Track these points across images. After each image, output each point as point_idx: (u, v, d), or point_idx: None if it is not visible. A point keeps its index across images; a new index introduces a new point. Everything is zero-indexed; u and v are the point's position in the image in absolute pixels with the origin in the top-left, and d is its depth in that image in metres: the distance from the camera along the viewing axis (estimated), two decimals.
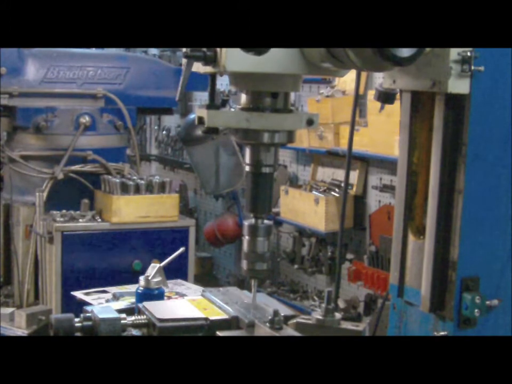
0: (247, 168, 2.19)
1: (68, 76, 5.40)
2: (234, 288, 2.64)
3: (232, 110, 2.14)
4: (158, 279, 2.61)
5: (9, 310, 4.77)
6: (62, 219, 4.93)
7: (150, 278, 2.59)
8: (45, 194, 5.07)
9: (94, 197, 5.20)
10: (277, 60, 1.93)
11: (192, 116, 6.42)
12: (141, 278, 2.61)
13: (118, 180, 5.00)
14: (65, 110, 5.31)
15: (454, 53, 1.91)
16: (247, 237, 2.22)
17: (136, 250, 5.04)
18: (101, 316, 2.22)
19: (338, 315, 2.28)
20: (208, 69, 1.98)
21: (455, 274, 2.00)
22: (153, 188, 5.08)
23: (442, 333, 2.02)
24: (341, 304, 5.74)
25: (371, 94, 5.10)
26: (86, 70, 5.45)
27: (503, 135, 2.00)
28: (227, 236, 6.95)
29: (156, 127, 8.71)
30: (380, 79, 3.58)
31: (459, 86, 1.93)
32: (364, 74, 5.27)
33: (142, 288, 2.60)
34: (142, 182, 5.06)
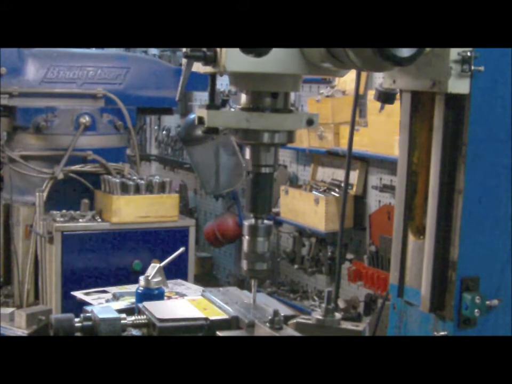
0: (247, 168, 2.19)
1: (68, 76, 5.40)
2: (234, 288, 2.64)
3: (232, 110, 2.14)
4: (158, 279, 2.61)
5: (9, 310, 4.78)
6: (62, 219, 4.93)
7: (150, 278, 2.59)
8: (45, 194, 5.07)
9: (94, 197, 5.20)
10: (277, 60, 1.93)
11: (192, 116, 6.42)
12: (141, 278, 2.61)
13: (118, 180, 5.00)
14: (65, 110, 5.31)
15: (454, 53, 1.91)
16: (247, 237, 2.22)
17: (136, 250, 5.04)
18: (101, 316, 2.22)
19: (338, 315, 2.28)
20: (208, 69, 1.98)
21: (455, 274, 2.00)
22: (153, 188, 5.08)
23: (442, 333, 2.02)
24: (341, 304, 5.74)
25: (371, 94, 5.10)
26: (86, 70, 5.45)
27: (503, 135, 2.00)
28: (227, 236, 6.95)
29: (156, 127, 8.71)
30: (380, 79, 3.58)
31: (459, 86, 1.93)
32: (364, 74, 5.27)
33: (142, 288, 2.60)
34: (142, 182, 5.06)
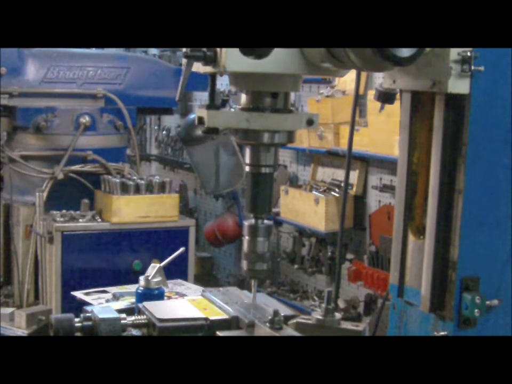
0: (247, 168, 2.19)
1: (68, 76, 5.40)
2: (234, 288, 2.64)
3: (232, 110, 2.14)
4: (158, 279, 2.61)
5: (9, 310, 4.78)
6: (62, 219, 4.93)
7: (150, 278, 2.59)
8: (45, 194, 5.07)
9: (94, 197, 5.20)
10: (277, 60, 1.93)
11: (192, 116, 6.42)
12: (141, 278, 2.61)
13: (118, 180, 5.00)
14: (65, 110, 5.31)
15: (454, 53, 1.91)
16: (247, 237, 2.22)
17: (136, 250, 5.05)
18: (101, 315, 2.22)
19: (338, 315, 2.28)
20: (208, 69, 1.98)
21: (455, 274, 2.00)
22: (153, 188, 5.08)
23: (442, 333, 2.02)
24: (341, 304, 5.74)
25: (371, 94, 5.10)
26: (86, 70, 5.45)
27: (503, 135, 2.00)
28: (227, 236, 6.95)
29: (156, 127, 8.71)
30: (380, 79, 3.58)
31: (459, 86, 1.93)
32: (363, 74, 5.27)
33: (142, 288, 2.60)
34: (142, 182, 5.07)
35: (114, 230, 4.99)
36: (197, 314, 2.33)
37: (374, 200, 5.80)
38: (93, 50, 5.69)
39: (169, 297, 2.81)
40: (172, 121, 8.34)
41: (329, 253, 6.13)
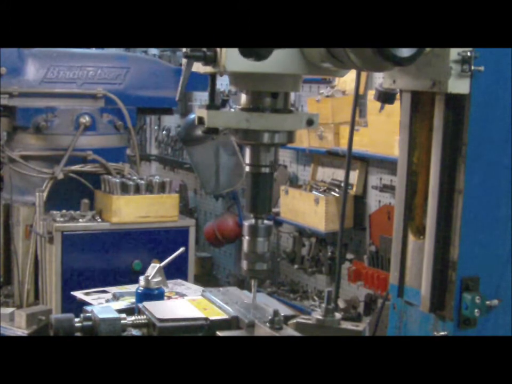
0: (247, 168, 2.19)
1: (68, 76, 5.40)
2: (234, 288, 2.64)
3: (232, 110, 2.14)
4: (158, 279, 2.61)
5: (9, 310, 4.78)
6: (62, 219, 4.93)
7: (150, 278, 2.59)
8: (45, 194, 5.07)
9: (94, 197, 5.20)
10: (277, 60, 1.93)
11: (192, 116, 6.42)
12: (141, 278, 2.61)
13: (118, 180, 5.00)
14: (65, 110, 5.31)
15: (454, 53, 1.91)
16: (247, 237, 2.22)
17: (136, 250, 5.05)
18: (101, 315, 2.22)
19: (338, 315, 2.28)
20: (208, 69, 1.98)
21: (455, 274, 2.00)
22: (153, 188, 5.08)
23: (442, 333, 2.02)
24: (341, 304, 5.74)
25: (371, 94, 5.10)
26: (86, 70, 5.45)
27: (503, 135, 2.00)
28: (227, 236, 6.95)
29: (156, 127, 8.71)
30: (380, 79, 3.58)
31: (459, 86, 1.93)
32: (363, 74, 5.27)
33: (142, 288, 2.60)
34: (142, 182, 5.07)
35: (114, 230, 4.99)
36: (197, 314, 2.33)
37: (374, 200, 5.80)
38: (93, 50, 5.69)
39: (169, 297, 2.81)
40: (171, 121, 8.35)
41: (329, 253, 6.14)
